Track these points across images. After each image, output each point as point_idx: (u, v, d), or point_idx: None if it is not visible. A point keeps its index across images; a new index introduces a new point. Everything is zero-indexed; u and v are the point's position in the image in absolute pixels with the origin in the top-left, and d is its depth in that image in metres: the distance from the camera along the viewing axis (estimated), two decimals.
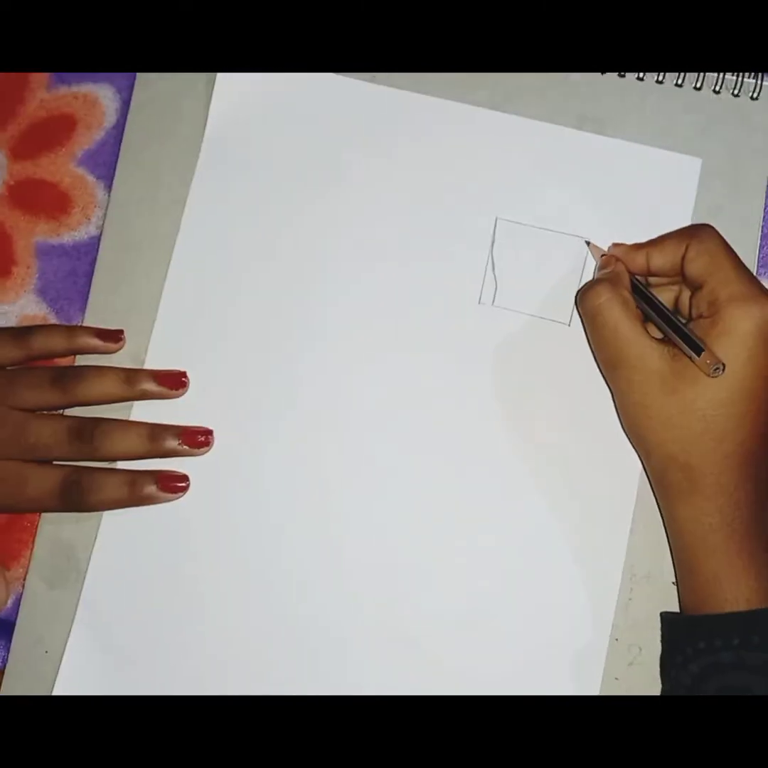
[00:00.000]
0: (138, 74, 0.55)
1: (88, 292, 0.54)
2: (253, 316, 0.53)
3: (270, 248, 0.53)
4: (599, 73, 0.53)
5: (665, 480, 0.47)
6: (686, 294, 0.49)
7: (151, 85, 0.55)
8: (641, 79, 0.53)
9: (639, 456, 0.49)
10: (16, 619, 0.52)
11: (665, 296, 0.50)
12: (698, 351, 0.44)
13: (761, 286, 0.45)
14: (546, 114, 0.54)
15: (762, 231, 0.53)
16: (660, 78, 0.53)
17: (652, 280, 0.50)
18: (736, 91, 0.53)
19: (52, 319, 0.54)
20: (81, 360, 0.53)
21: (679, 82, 0.53)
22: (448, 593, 0.51)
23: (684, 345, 0.45)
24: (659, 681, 0.47)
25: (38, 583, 0.52)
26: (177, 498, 0.51)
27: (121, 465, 0.51)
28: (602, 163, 0.53)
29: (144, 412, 0.52)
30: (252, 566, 0.51)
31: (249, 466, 0.52)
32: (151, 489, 0.50)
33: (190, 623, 0.51)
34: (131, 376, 0.51)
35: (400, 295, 0.53)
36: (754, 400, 0.45)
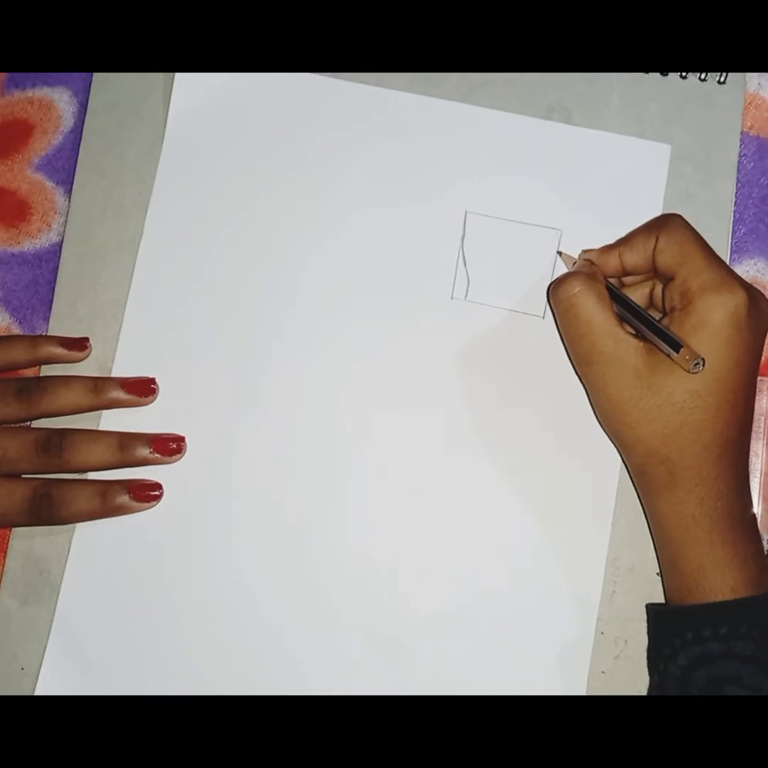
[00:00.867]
0: (95, 76, 0.54)
1: (52, 300, 0.53)
2: (220, 319, 0.52)
3: (235, 249, 0.53)
4: None
5: (646, 474, 0.46)
6: (660, 289, 0.49)
7: (108, 88, 0.54)
8: None
9: (618, 450, 0.49)
10: None
11: (639, 293, 0.49)
12: (676, 348, 0.43)
13: (732, 273, 0.45)
14: (513, 105, 0.53)
15: (734, 216, 0.52)
16: None
17: (625, 280, 0.50)
18: (702, 76, 0.52)
19: (16, 330, 0.53)
20: (46, 370, 0.52)
21: (646, 71, 0.53)
22: (431, 591, 0.50)
23: (662, 343, 0.44)
24: (646, 673, 0.47)
25: (10, 600, 0.51)
26: (150, 507, 0.50)
27: (92, 475, 0.50)
28: (571, 153, 0.53)
29: (113, 421, 0.51)
30: (229, 573, 0.51)
31: (222, 472, 0.51)
32: (124, 499, 0.49)
33: (168, 634, 0.50)
34: (99, 384, 0.50)
35: (371, 293, 0.52)
36: (732, 390, 0.44)
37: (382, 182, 0.53)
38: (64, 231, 0.53)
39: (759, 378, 0.50)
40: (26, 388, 0.49)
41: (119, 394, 0.50)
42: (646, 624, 0.48)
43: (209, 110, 0.53)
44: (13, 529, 0.51)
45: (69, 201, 0.53)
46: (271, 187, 0.53)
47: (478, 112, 0.53)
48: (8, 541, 0.51)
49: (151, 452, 0.50)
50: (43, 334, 0.53)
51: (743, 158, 0.53)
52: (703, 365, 0.43)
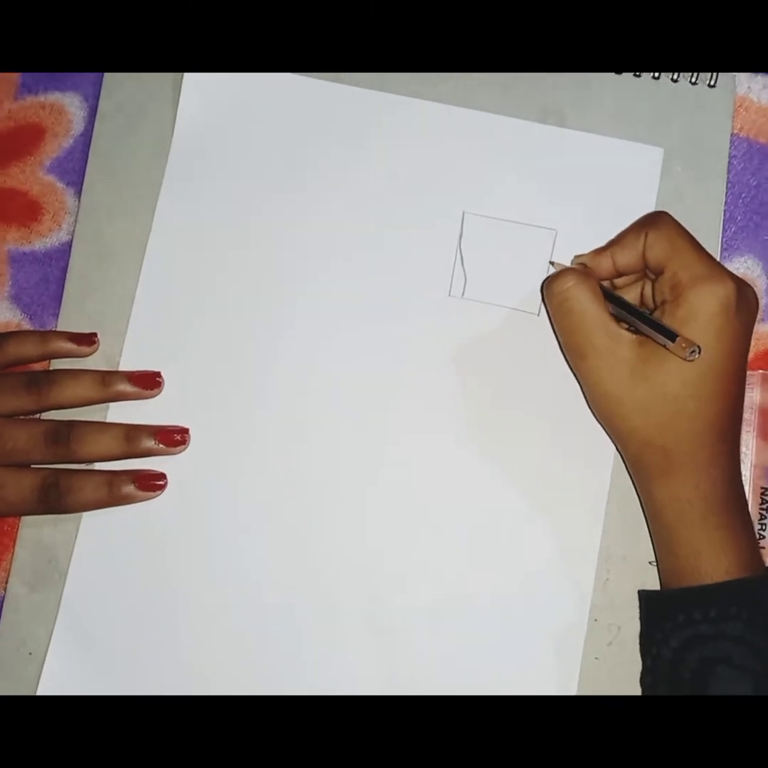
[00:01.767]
0: (104, 80, 0.55)
1: (61, 297, 0.54)
2: (225, 316, 0.53)
3: (241, 248, 0.54)
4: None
5: (642, 463, 0.47)
6: (650, 287, 0.49)
7: (118, 91, 0.55)
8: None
9: (613, 441, 0.50)
10: None
11: (632, 294, 0.50)
12: (672, 337, 0.44)
13: (720, 265, 0.46)
14: (509, 108, 0.54)
15: (724, 215, 0.53)
16: None
17: (617, 281, 0.50)
18: (693, 80, 0.54)
19: (26, 326, 0.55)
20: (56, 364, 0.53)
21: (637, 72, 0.54)
22: (427, 580, 0.51)
23: (657, 335, 0.45)
24: (639, 659, 0.48)
25: (20, 587, 0.52)
26: (155, 496, 0.51)
27: (99, 466, 0.52)
28: (566, 156, 0.54)
29: (120, 413, 0.52)
30: (232, 562, 0.52)
31: (226, 464, 0.52)
32: (129, 488, 0.51)
33: (172, 622, 0.51)
34: (106, 377, 0.51)
35: (371, 291, 0.53)
36: (725, 378, 0.45)
37: (382, 183, 0.54)
38: (73, 230, 0.55)
39: (749, 372, 0.51)
40: (36, 381, 0.50)
41: (126, 387, 0.52)
42: (638, 611, 0.49)
43: (217, 111, 0.55)
44: (23, 518, 0.52)
45: (79, 201, 0.55)
46: (275, 187, 0.54)
47: (475, 115, 0.54)
48: (18, 529, 0.52)
49: (156, 443, 0.51)
50: (53, 329, 0.54)
51: (733, 159, 0.54)
52: (699, 352, 0.44)
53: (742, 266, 0.54)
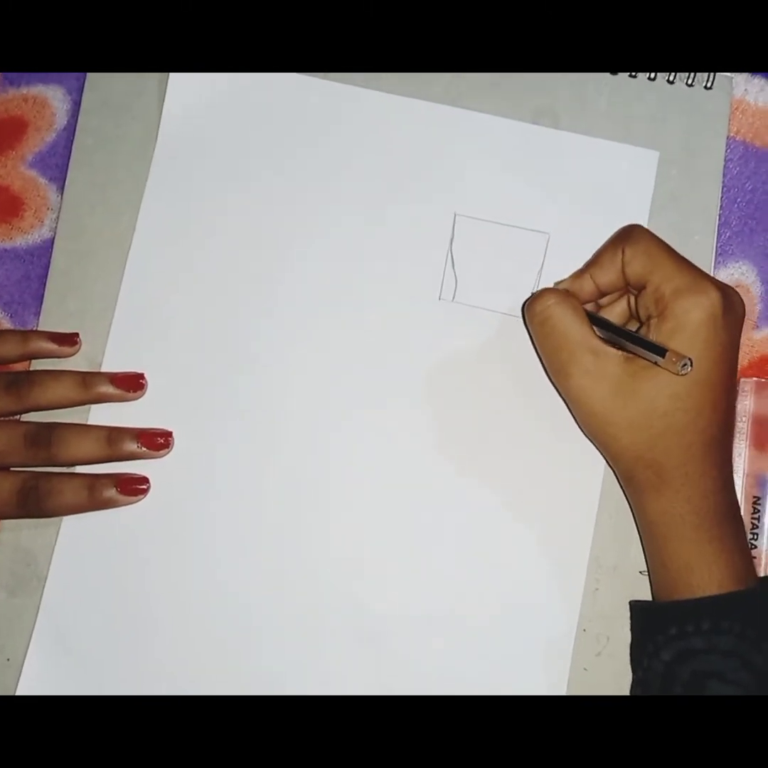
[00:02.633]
0: (89, 75, 0.54)
1: (43, 295, 0.53)
2: (210, 317, 0.53)
3: (225, 248, 0.53)
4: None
5: (634, 478, 0.46)
6: (634, 302, 0.49)
7: (102, 86, 0.54)
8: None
9: (604, 457, 0.49)
10: None
11: (616, 312, 0.49)
12: (662, 353, 0.43)
13: (703, 273, 0.45)
14: (502, 108, 0.53)
15: (719, 220, 0.53)
16: None
17: (600, 301, 0.50)
18: (689, 81, 0.53)
19: (7, 325, 0.54)
20: (37, 365, 0.52)
21: (633, 72, 0.53)
22: (414, 590, 0.51)
23: (646, 352, 0.44)
24: (629, 670, 0.47)
25: None
26: (137, 501, 0.51)
27: (79, 469, 0.51)
28: (559, 158, 0.53)
29: (102, 415, 0.52)
30: (214, 567, 0.51)
31: (209, 468, 0.52)
32: (111, 492, 0.50)
33: (152, 627, 0.51)
34: (88, 379, 0.50)
35: (359, 294, 0.53)
36: (713, 389, 0.45)
37: (372, 183, 0.53)
38: (56, 227, 0.54)
39: (741, 380, 0.51)
40: (16, 382, 0.49)
41: (108, 389, 0.51)
42: (628, 621, 0.48)
43: (202, 110, 0.54)
44: (2, 522, 0.51)
45: (61, 197, 0.54)
46: (261, 186, 0.53)
47: (467, 115, 0.53)
48: None
49: (138, 446, 0.50)
50: (34, 329, 0.53)
51: (729, 163, 0.53)
52: (692, 365, 0.43)
53: (737, 272, 0.53)
